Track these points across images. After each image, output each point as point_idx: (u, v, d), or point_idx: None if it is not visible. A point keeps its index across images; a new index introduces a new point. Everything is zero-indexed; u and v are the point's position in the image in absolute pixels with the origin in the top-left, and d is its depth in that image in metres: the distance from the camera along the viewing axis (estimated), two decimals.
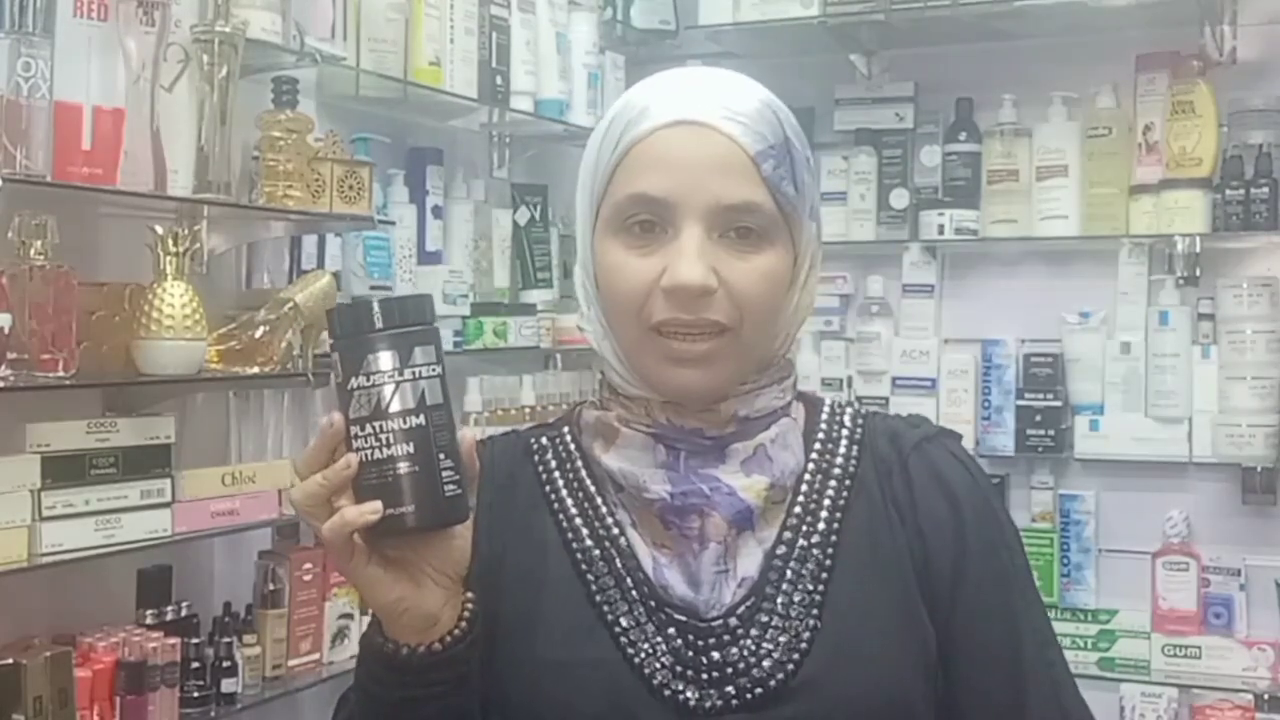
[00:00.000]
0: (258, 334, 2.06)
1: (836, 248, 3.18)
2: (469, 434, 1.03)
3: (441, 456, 0.99)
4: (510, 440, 1.20)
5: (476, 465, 1.03)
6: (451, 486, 0.99)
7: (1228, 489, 2.92)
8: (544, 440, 1.19)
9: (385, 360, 0.98)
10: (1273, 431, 2.77)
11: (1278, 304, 2.80)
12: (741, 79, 1.12)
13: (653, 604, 1.08)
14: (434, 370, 1.00)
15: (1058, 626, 2.93)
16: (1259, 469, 2.84)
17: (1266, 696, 2.78)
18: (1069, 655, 3.22)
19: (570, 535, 1.13)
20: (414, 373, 0.99)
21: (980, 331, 3.11)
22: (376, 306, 0.99)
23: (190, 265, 1.92)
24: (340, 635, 2.31)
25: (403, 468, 0.98)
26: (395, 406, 0.98)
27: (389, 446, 0.98)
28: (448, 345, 2.57)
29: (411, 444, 0.98)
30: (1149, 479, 2.96)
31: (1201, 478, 2.94)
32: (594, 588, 1.10)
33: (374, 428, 0.98)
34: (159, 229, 1.89)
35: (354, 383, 0.99)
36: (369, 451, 0.98)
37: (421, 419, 0.98)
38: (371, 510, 0.97)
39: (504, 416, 2.67)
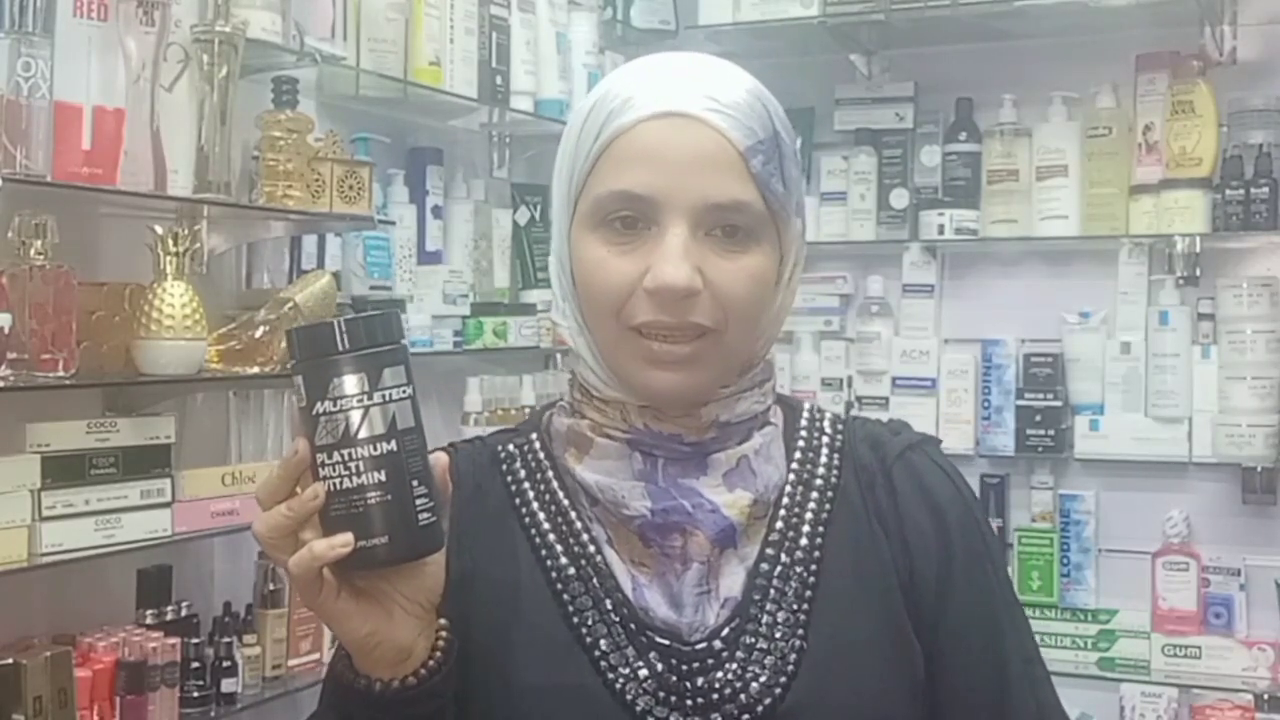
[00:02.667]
0: (258, 334, 2.06)
1: (836, 248, 3.18)
2: (442, 457, 0.98)
3: (415, 483, 0.94)
4: (475, 448, 1.14)
5: (450, 489, 0.99)
6: (426, 515, 0.94)
7: (1228, 489, 2.92)
8: (510, 448, 1.13)
9: (352, 384, 0.92)
10: (1273, 431, 2.77)
11: (1278, 304, 2.80)
12: (728, 67, 1.06)
13: (633, 627, 1.03)
14: (405, 392, 0.94)
15: (1058, 626, 3.00)
16: (1259, 469, 2.84)
17: (1266, 696, 2.77)
18: (1069, 655, 3.24)
19: (544, 552, 1.07)
20: (384, 396, 0.93)
21: (980, 331, 3.11)
22: (341, 326, 0.94)
23: (190, 265, 1.91)
24: None
25: (373, 497, 0.92)
26: (364, 433, 0.92)
27: (359, 475, 0.92)
28: (448, 345, 2.58)
29: (383, 472, 0.92)
30: (1149, 479, 2.96)
31: (1201, 478, 2.94)
32: (571, 608, 1.05)
33: (342, 455, 0.92)
34: (159, 229, 1.89)
35: (319, 408, 0.93)
36: (337, 480, 0.92)
37: (393, 444, 0.93)
38: (343, 543, 0.92)
39: (504, 416, 2.67)
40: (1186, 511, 2.93)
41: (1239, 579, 2.88)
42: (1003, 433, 3.04)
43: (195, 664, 2.04)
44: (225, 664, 2.08)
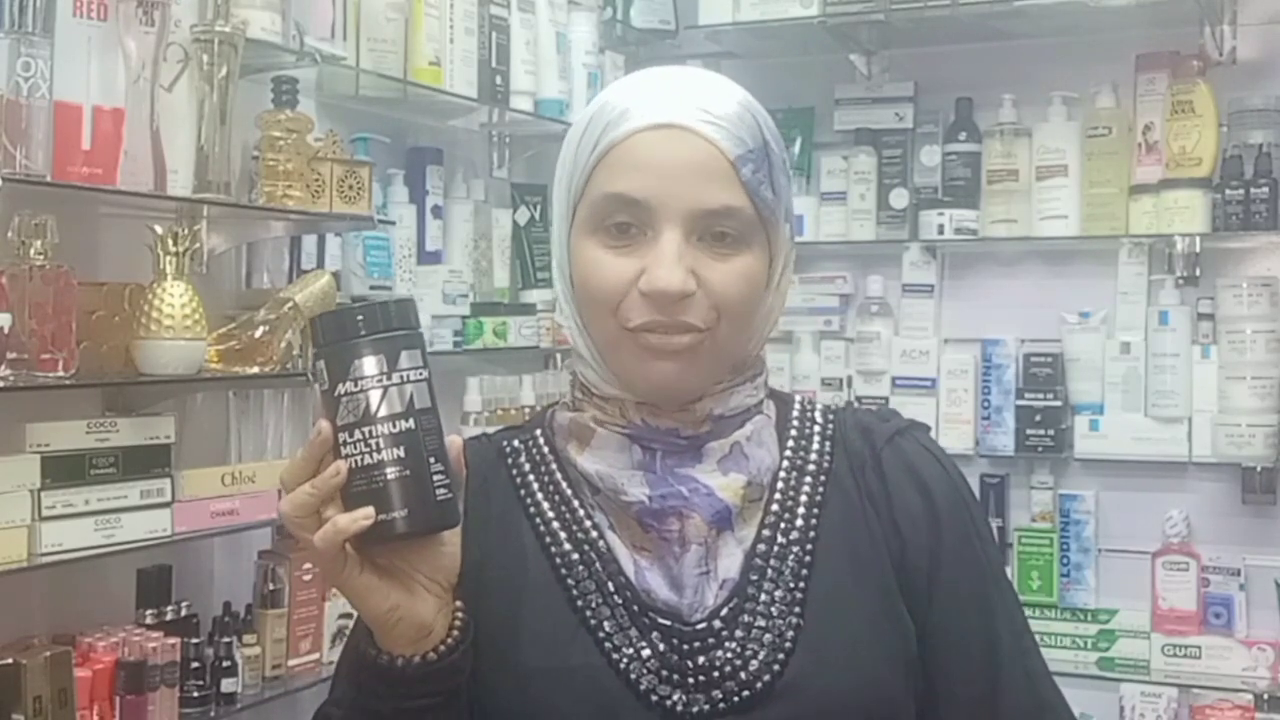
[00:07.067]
0: (258, 334, 2.06)
1: (836, 248, 3.18)
2: (457, 439, 1.02)
3: (432, 460, 0.98)
4: (481, 444, 1.19)
5: (464, 470, 1.03)
6: (442, 490, 0.99)
7: (1228, 489, 2.92)
8: (515, 443, 1.18)
9: (371, 365, 0.98)
10: (1273, 431, 2.77)
11: (1278, 304, 2.80)
12: (720, 80, 1.12)
13: (635, 608, 1.08)
14: (421, 374, 0.99)
15: (1057, 626, 2.99)
16: (1259, 469, 2.84)
17: (1266, 696, 2.77)
18: (1069, 655, 3.23)
19: (548, 539, 1.12)
20: (401, 376, 0.98)
21: (980, 331, 3.11)
22: (360, 312, 0.99)
23: (190, 265, 1.91)
24: (340, 635, 2.30)
25: (392, 472, 0.97)
26: (383, 411, 0.97)
27: (378, 451, 0.97)
28: (448, 345, 2.58)
29: (401, 448, 0.97)
30: (1149, 479, 2.96)
31: (1201, 477, 2.94)
32: (575, 592, 1.09)
33: (362, 433, 0.97)
34: (159, 229, 1.89)
35: (341, 389, 0.98)
36: (358, 458, 0.97)
37: (411, 423, 0.98)
38: (364, 516, 0.96)
39: (504, 416, 2.67)
40: (1186, 511, 2.93)
41: (1239, 579, 2.88)
42: (1002, 433, 3.04)
43: (195, 664, 2.04)
44: (225, 664, 2.08)
